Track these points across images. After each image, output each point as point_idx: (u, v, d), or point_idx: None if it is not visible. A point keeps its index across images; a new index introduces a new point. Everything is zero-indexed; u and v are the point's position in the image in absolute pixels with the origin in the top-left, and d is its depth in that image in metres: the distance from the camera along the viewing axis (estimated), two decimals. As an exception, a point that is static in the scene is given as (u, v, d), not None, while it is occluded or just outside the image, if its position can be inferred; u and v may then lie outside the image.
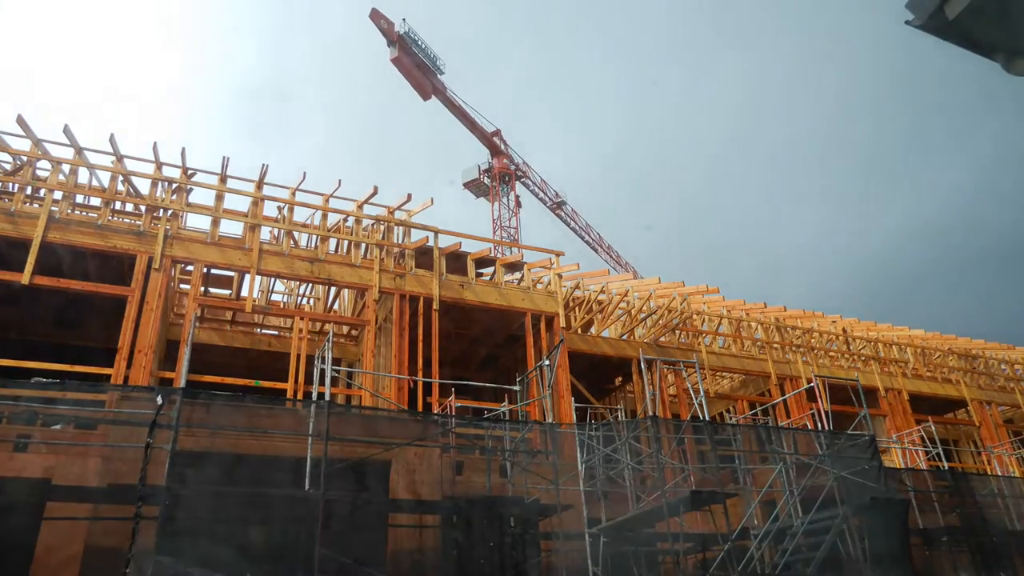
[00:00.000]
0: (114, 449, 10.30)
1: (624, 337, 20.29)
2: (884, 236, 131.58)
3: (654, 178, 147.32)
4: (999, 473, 19.84)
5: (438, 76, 56.75)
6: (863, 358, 23.34)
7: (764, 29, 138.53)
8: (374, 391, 13.85)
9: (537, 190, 64.36)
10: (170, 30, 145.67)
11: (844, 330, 24.64)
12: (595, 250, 68.16)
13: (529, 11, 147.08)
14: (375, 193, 16.85)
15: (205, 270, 14.33)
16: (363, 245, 15.80)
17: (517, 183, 62.98)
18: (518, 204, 62.48)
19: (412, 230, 16.50)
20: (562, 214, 65.80)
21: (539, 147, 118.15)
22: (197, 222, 17.10)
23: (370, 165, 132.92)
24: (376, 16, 52.66)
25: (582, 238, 67.29)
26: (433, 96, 57.37)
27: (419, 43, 54.67)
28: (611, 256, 68.88)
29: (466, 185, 62.64)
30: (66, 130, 14.58)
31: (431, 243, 16.26)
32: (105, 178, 14.96)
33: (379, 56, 56.62)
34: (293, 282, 19.34)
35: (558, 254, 18.02)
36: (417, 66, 55.00)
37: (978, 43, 3.20)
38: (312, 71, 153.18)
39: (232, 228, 16.43)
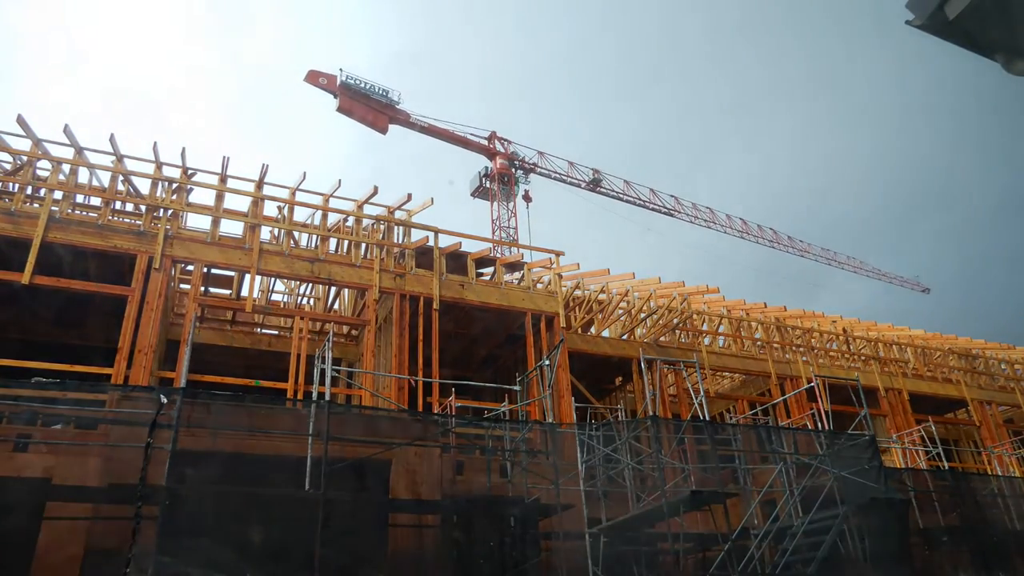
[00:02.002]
0: (114, 449, 10.30)
1: (624, 337, 20.28)
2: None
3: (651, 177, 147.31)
4: (999, 473, 19.84)
5: (396, 107, 55.55)
6: (863, 358, 23.34)
7: (763, 27, 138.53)
8: (374, 391, 13.86)
9: (563, 176, 62.18)
10: (171, 31, 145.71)
11: (844, 330, 24.64)
12: (671, 214, 65.60)
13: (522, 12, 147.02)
14: (375, 193, 16.86)
15: (205, 270, 14.33)
16: (363, 245, 15.79)
17: (532, 175, 61.68)
18: (528, 199, 61.27)
19: (412, 230, 16.50)
20: (605, 191, 63.40)
21: (557, 134, 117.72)
22: (197, 222, 17.12)
23: (370, 166, 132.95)
24: (313, 78, 51.88)
25: (646, 208, 64.74)
26: (398, 126, 56.23)
27: (363, 84, 53.71)
28: (696, 216, 65.41)
29: (474, 194, 61.47)
30: (66, 130, 14.59)
31: (431, 243, 16.25)
32: (105, 178, 14.97)
33: (377, 56, 56.17)
34: (293, 282, 19.35)
35: (558, 254, 18.01)
36: (369, 107, 54.07)
37: (978, 43, 3.20)
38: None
39: (232, 228, 16.44)
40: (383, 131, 56.25)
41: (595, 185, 63.14)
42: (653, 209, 65.69)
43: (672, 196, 66.17)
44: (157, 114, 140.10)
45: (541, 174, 61.96)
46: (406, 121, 56.73)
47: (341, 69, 53.00)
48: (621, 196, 64.30)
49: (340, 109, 53.34)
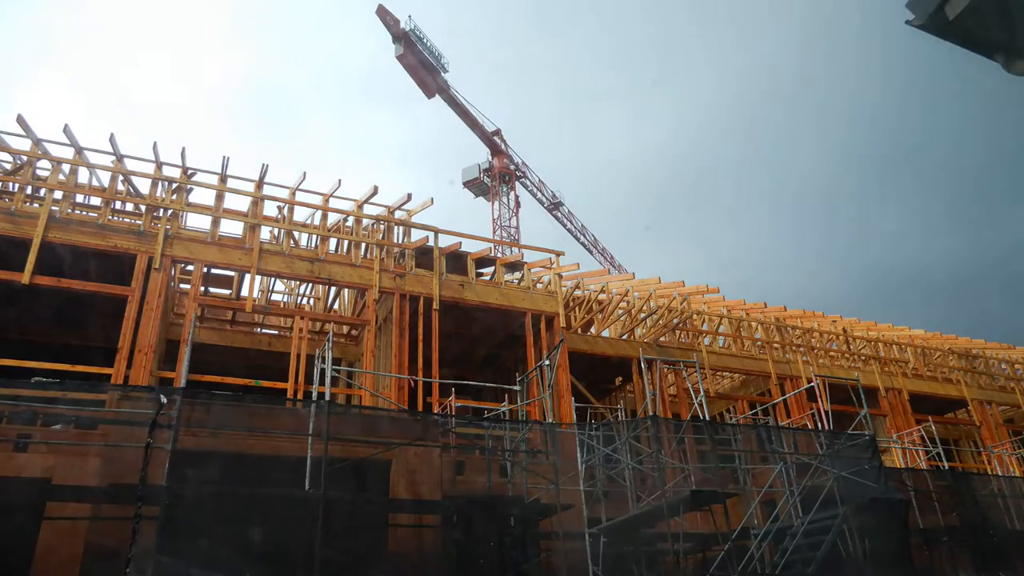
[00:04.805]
0: (114, 449, 10.30)
1: (624, 337, 20.29)
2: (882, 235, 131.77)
3: (653, 178, 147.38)
4: (999, 473, 19.83)
5: (442, 74, 56.35)
6: (863, 358, 23.33)
7: (765, 29, 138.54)
8: (374, 391, 13.85)
9: (535, 190, 64.17)
10: (171, 30, 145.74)
11: (844, 330, 24.63)
12: (590, 251, 68.26)
13: (528, 10, 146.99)
14: (375, 193, 16.85)
15: (205, 270, 14.33)
16: (363, 245, 15.79)
17: (517, 183, 62.90)
18: (518, 204, 62.37)
19: (412, 230, 16.50)
20: (559, 215, 65.82)
21: (538, 146, 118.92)
22: (197, 222, 17.13)
23: (369, 165, 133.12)
24: (383, 12, 52.45)
25: (577, 239, 67.45)
26: (437, 95, 57.16)
27: (424, 40, 54.34)
28: (605, 258, 69.00)
29: (466, 184, 62.50)
30: (66, 130, 14.59)
31: (431, 243, 16.25)
32: (105, 178, 14.97)
33: (378, 56, 56.20)
34: (293, 282, 19.35)
35: (558, 254, 18.01)
36: (422, 64, 54.60)
37: (978, 43, 3.20)
38: (312, 71, 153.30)
39: (232, 228, 16.44)
40: (429, 95, 56.69)
41: (555, 208, 65.26)
42: (580, 243, 67.69)
43: (594, 235, 68.69)
44: (159, 113, 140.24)
45: (523, 184, 63.33)
46: (444, 91, 57.18)
47: (410, 16, 53.33)
48: (564, 223, 66.48)
49: (400, 58, 53.65)
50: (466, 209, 66.49)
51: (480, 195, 62.52)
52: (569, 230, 66.74)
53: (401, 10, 52.90)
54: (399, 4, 52.58)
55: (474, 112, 59.73)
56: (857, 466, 13.27)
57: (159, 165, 15.45)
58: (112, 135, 15.07)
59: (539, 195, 64.55)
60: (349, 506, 10.80)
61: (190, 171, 15.23)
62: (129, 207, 16.49)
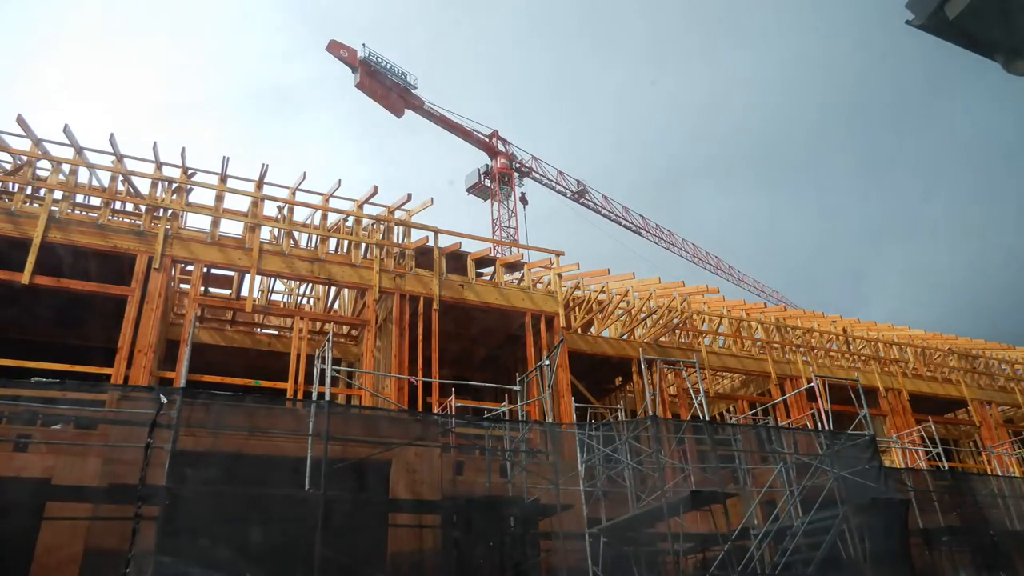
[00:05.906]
0: (114, 449, 10.30)
1: (624, 337, 20.28)
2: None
3: (651, 177, 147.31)
4: (999, 473, 19.83)
5: (412, 92, 56.09)
6: (863, 358, 23.33)
7: (765, 28, 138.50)
8: (374, 391, 13.85)
9: (553, 183, 63.48)
10: (171, 31, 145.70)
11: (844, 330, 24.63)
12: (639, 233, 67.26)
13: (528, 12, 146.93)
14: (375, 193, 16.85)
15: (205, 270, 14.32)
16: (363, 245, 15.78)
17: (527, 179, 62.38)
18: (524, 201, 61.93)
19: (412, 230, 16.49)
20: (587, 203, 65.11)
21: (546, 142, 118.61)
22: (197, 222, 17.11)
23: (370, 166, 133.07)
24: (335, 47, 52.20)
25: (619, 223, 66.64)
26: (411, 111, 56.73)
27: (384, 63, 54.06)
28: (660, 237, 67.60)
29: (469, 190, 62.18)
30: (66, 130, 14.58)
31: (431, 243, 16.24)
32: (105, 178, 14.97)
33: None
34: (293, 282, 19.34)
35: (558, 254, 18.00)
36: (386, 87, 54.38)
37: (978, 43, 3.20)
38: (312, 71, 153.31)
39: (232, 228, 16.44)
40: (399, 115, 56.56)
41: (580, 195, 64.86)
42: (624, 226, 67.30)
43: (641, 216, 68.14)
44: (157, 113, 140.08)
45: (535, 179, 62.89)
46: (420, 107, 56.93)
47: (364, 44, 53.23)
48: (599, 210, 66.00)
49: (359, 86, 53.49)
50: (468, 210, 66.43)
51: (489, 199, 62.16)
52: (605, 215, 65.82)
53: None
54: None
55: (459, 120, 59.48)
56: (857, 466, 13.28)
57: (159, 165, 15.45)
58: (112, 135, 15.08)
59: (559, 187, 63.74)
60: (349, 506, 10.80)
61: (190, 171, 15.23)
62: (129, 207, 16.48)
